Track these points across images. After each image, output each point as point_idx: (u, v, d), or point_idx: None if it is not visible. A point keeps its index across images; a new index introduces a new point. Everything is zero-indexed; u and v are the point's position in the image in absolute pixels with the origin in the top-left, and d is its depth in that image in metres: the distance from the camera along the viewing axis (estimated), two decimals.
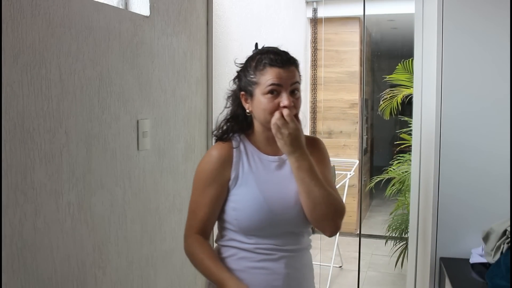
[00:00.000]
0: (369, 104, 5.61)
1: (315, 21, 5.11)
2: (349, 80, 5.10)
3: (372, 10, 4.73)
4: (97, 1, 1.69)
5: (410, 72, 3.71)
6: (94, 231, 1.67)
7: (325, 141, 1.48)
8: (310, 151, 1.33)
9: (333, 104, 5.13)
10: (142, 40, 1.92)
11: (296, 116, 1.31)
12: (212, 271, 1.31)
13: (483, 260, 1.92)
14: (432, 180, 2.10)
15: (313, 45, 5.15)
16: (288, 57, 1.32)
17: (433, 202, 2.10)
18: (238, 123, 1.40)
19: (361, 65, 5.04)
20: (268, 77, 1.28)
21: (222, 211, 1.37)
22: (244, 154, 1.36)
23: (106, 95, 1.73)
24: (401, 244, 3.64)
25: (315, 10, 5.09)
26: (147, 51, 1.95)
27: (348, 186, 4.24)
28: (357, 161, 4.69)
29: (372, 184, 4.19)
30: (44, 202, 1.47)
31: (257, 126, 1.38)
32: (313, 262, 1.48)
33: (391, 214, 3.87)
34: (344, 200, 4.03)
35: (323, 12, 5.03)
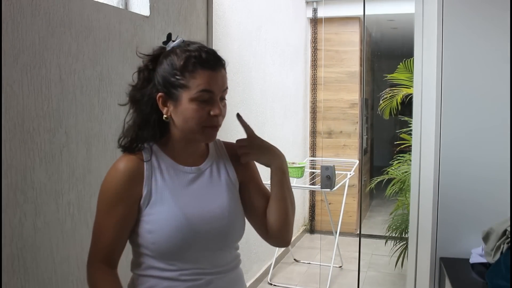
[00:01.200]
0: (369, 104, 5.61)
1: (315, 21, 5.12)
2: (349, 80, 5.10)
3: (372, 10, 4.73)
4: (97, 1, 1.69)
5: (412, 71, 3.71)
6: None
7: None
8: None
9: (333, 104, 5.14)
10: (142, 40, 1.92)
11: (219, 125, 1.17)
12: None
13: (483, 260, 1.92)
14: (432, 180, 2.10)
15: (313, 45, 5.16)
16: (218, 57, 1.15)
17: (433, 202, 2.10)
18: (150, 130, 1.17)
19: (361, 65, 5.04)
20: (199, 81, 1.10)
21: (136, 234, 1.16)
22: (157, 166, 1.16)
23: (106, 95, 1.73)
24: (401, 244, 3.64)
25: (315, 10, 5.09)
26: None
27: (348, 186, 4.24)
28: (357, 161, 4.68)
29: (373, 185, 4.19)
30: (44, 202, 1.47)
31: (175, 133, 1.18)
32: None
33: (391, 214, 3.87)
34: (344, 200, 4.01)
35: (323, 12, 5.03)
